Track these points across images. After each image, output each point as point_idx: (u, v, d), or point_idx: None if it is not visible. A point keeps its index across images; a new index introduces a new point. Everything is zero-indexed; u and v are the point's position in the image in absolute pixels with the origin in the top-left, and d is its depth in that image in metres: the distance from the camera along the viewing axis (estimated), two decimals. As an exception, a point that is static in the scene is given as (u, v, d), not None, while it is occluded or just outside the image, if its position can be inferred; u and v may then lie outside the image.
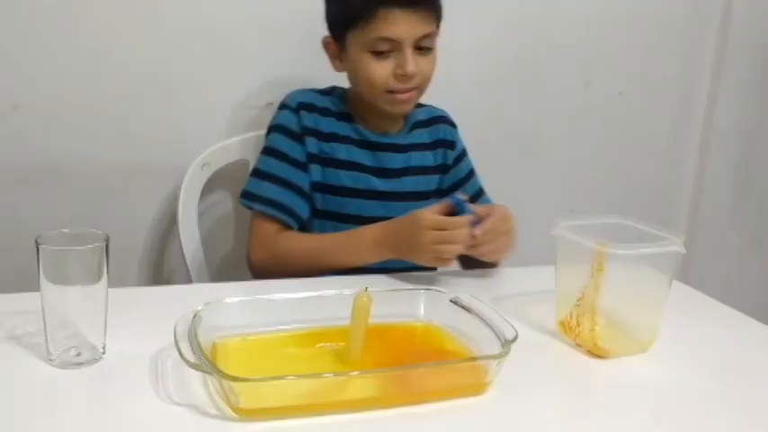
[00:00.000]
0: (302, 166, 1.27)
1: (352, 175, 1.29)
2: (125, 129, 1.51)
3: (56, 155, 1.49)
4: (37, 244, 0.78)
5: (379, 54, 1.21)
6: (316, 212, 1.29)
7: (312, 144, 1.28)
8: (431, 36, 1.23)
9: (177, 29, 1.50)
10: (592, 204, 1.91)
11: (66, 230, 0.81)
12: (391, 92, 1.23)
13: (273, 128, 1.30)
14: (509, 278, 1.19)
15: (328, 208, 1.29)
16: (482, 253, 1.14)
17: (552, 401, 0.81)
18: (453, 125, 1.43)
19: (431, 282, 1.12)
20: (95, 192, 1.51)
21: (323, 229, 1.28)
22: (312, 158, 1.28)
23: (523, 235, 1.86)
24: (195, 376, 0.78)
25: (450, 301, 0.94)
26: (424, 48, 1.22)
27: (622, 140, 1.98)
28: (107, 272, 0.81)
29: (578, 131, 1.92)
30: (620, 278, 0.88)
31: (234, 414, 0.72)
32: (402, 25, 1.19)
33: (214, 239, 1.55)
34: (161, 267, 1.60)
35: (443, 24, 1.27)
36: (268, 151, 1.29)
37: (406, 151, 1.35)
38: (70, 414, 0.72)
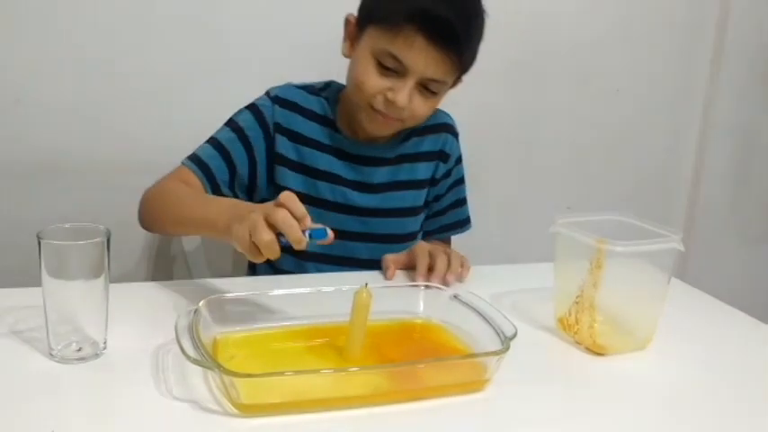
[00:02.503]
0: (248, 145, 1.19)
1: (329, 187, 1.23)
2: (125, 125, 1.52)
3: (56, 151, 1.49)
4: (39, 238, 0.78)
5: (383, 67, 1.11)
6: None
7: (284, 145, 1.21)
8: (442, 83, 1.14)
9: (178, 27, 1.51)
10: (589, 202, 1.92)
11: (67, 225, 0.81)
12: (374, 108, 1.14)
13: (247, 106, 1.24)
14: (507, 275, 1.19)
15: None
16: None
17: (551, 398, 0.81)
18: (456, 134, 1.33)
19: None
20: (96, 188, 1.51)
21: None
22: (284, 161, 1.21)
23: (521, 232, 1.89)
24: (196, 372, 0.78)
25: (450, 297, 0.94)
26: (429, 90, 1.13)
27: (620, 138, 1.98)
28: (108, 267, 0.81)
29: (576, 129, 1.93)
30: (619, 275, 0.88)
31: (234, 409, 0.72)
32: (419, 56, 1.08)
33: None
34: (161, 263, 1.60)
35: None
36: (227, 122, 1.23)
37: (394, 164, 1.26)
38: (71, 409, 0.73)
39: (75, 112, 1.48)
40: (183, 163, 1.18)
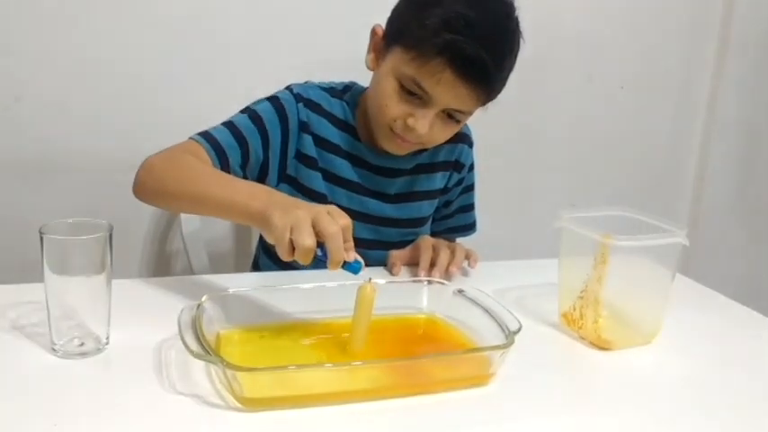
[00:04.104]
0: (265, 137, 1.14)
1: (347, 194, 1.20)
2: (126, 121, 1.52)
3: (57, 148, 1.49)
4: (41, 234, 0.78)
5: (405, 91, 1.07)
6: None
7: (309, 146, 1.18)
8: (465, 113, 1.11)
9: (180, 23, 1.51)
10: (593, 198, 1.92)
11: (70, 221, 0.81)
12: (393, 130, 1.11)
13: (267, 98, 1.18)
14: (511, 271, 1.19)
15: None
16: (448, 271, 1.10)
17: (555, 393, 0.81)
18: (471, 143, 1.32)
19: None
20: (97, 184, 1.51)
21: None
22: (308, 161, 1.18)
23: (525, 228, 1.88)
24: (199, 366, 0.77)
25: (454, 293, 0.93)
26: (451, 117, 1.10)
27: (624, 134, 1.98)
28: (111, 262, 0.81)
29: (580, 125, 1.93)
30: (624, 270, 0.87)
31: (237, 404, 0.72)
32: (445, 89, 1.04)
33: (216, 231, 1.54)
34: (163, 259, 1.60)
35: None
36: (245, 109, 1.16)
37: (411, 174, 1.24)
38: (74, 404, 0.72)
39: (75, 109, 1.48)
40: (193, 138, 1.10)
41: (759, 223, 2.17)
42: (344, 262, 0.83)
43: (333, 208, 0.85)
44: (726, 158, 2.09)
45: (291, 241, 0.82)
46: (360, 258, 0.84)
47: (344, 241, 0.82)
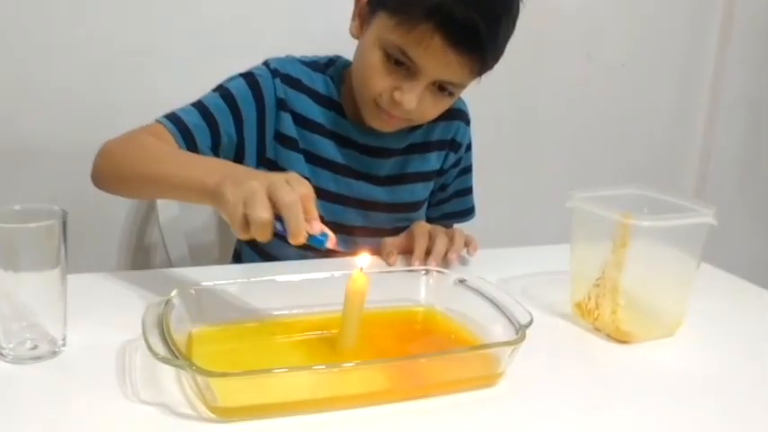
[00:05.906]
0: (237, 117, 1.07)
1: (333, 177, 1.14)
2: (100, 108, 1.49)
3: (27, 134, 1.46)
4: (-17, 222, 0.70)
5: (391, 62, 1.00)
6: None
7: (288, 125, 1.11)
8: (458, 86, 1.04)
9: (158, 7, 1.48)
10: (595, 179, 1.90)
11: (17, 207, 0.73)
12: (378, 105, 1.05)
13: (241, 73, 1.11)
14: (515, 258, 1.13)
15: None
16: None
17: (571, 392, 0.75)
18: (468, 121, 1.25)
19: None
20: (70, 173, 1.45)
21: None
22: (288, 142, 1.11)
23: (526, 212, 1.85)
24: (168, 372, 0.71)
25: (455, 282, 0.87)
26: (443, 90, 1.03)
27: (626, 113, 1.98)
28: (66, 253, 0.73)
29: (581, 104, 1.92)
30: (645, 254, 0.81)
31: (210, 414, 0.66)
32: (434, 58, 0.97)
33: (196, 221, 1.50)
34: (140, 252, 1.56)
35: None
36: (216, 87, 1.10)
37: (403, 154, 1.18)
38: (26, 414, 0.66)
39: (47, 96, 1.45)
40: (158, 120, 1.03)
41: (765, 203, 2.17)
42: (309, 235, 0.75)
43: (292, 175, 0.78)
44: (731, 136, 2.09)
45: (246, 216, 0.75)
46: (327, 230, 0.76)
47: (306, 212, 0.75)
